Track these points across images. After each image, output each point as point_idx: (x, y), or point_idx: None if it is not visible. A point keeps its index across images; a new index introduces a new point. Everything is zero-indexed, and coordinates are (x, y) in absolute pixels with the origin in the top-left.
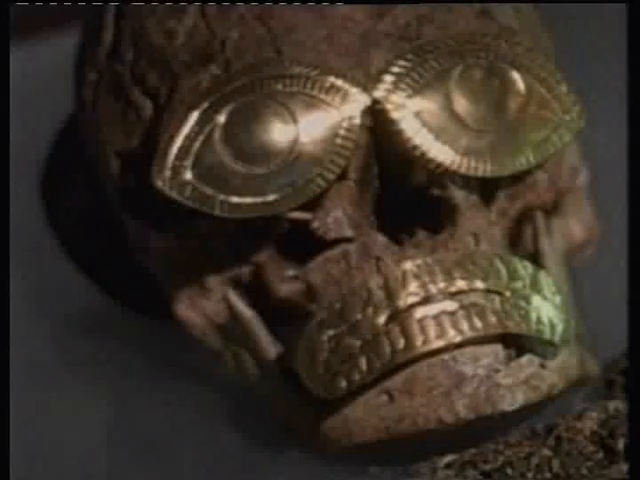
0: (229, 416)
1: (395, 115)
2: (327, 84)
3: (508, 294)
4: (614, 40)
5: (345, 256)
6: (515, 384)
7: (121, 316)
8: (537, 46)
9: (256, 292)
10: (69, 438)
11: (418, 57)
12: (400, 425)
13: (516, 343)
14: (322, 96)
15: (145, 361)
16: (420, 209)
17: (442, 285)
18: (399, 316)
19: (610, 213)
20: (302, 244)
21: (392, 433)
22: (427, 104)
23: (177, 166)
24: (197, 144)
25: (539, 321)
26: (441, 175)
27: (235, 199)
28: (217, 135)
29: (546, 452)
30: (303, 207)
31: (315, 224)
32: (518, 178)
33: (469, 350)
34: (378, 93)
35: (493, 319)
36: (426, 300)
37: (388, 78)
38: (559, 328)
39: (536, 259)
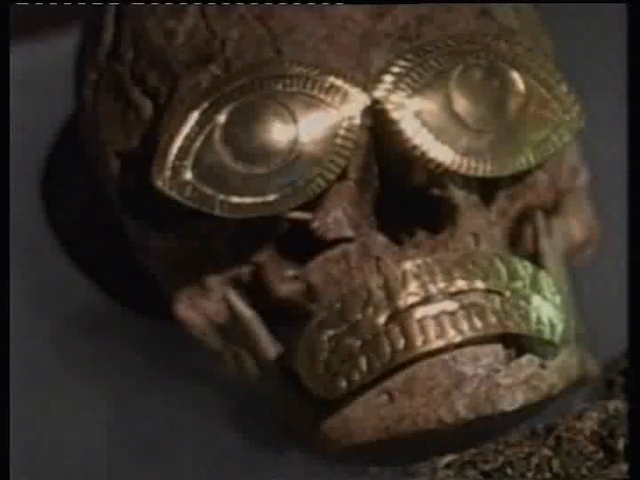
0: (229, 416)
1: (395, 115)
2: (327, 84)
3: (508, 294)
4: (614, 40)
5: (345, 256)
6: (515, 384)
7: (121, 316)
8: (537, 46)
9: (256, 292)
10: (69, 438)
11: (418, 57)
12: (400, 425)
13: (516, 343)
14: (322, 96)
15: (145, 361)
16: (420, 209)
17: (442, 285)
18: (399, 316)
19: (610, 213)
20: (302, 244)
21: (392, 433)
22: (427, 104)
23: (177, 166)
24: (197, 144)
25: (539, 321)
26: (441, 175)
27: (235, 199)
28: (217, 135)
29: (546, 452)
30: (303, 207)
31: (315, 224)
32: (518, 178)
33: (469, 350)
34: (378, 93)
35: (493, 319)
36: (426, 300)
37: (388, 78)
38: (559, 328)
39: (536, 259)
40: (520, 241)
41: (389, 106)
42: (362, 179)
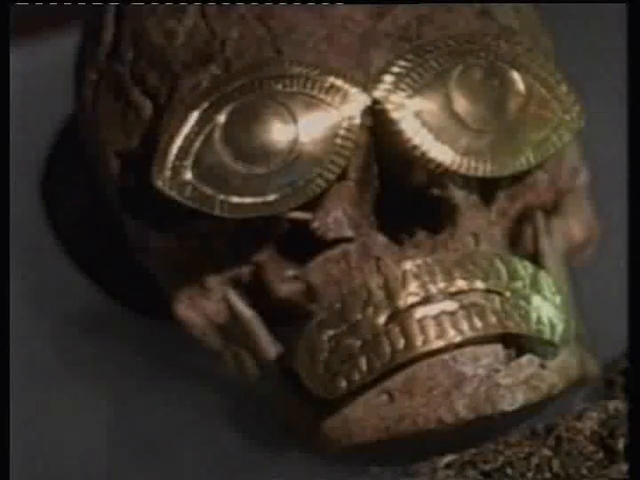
0: (229, 416)
1: (395, 115)
2: (327, 84)
3: (508, 294)
4: (614, 40)
5: (345, 256)
6: (515, 384)
7: (121, 316)
8: (537, 46)
9: (256, 292)
10: (69, 438)
11: (418, 57)
12: (400, 425)
13: (516, 343)
14: (322, 96)
15: (145, 361)
16: (420, 209)
17: (442, 285)
18: (399, 316)
19: (610, 213)
20: (302, 244)
21: (392, 433)
22: (427, 104)
23: (177, 166)
24: (197, 144)
25: (539, 321)
26: (441, 175)
27: (235, 199)
28: (217, 135)
29: (546, 452)
30: (303, 207)
31: (315, 224)
32: (518, 178)
33: (469, 350)
34: (378, 93)
35: (493, 319)
36: (426, 300)
37: (388, 78)
38: (559, 328)
39: (536, 259)
40: (520, 241)
41: (389, 106)
42: (362, 179)
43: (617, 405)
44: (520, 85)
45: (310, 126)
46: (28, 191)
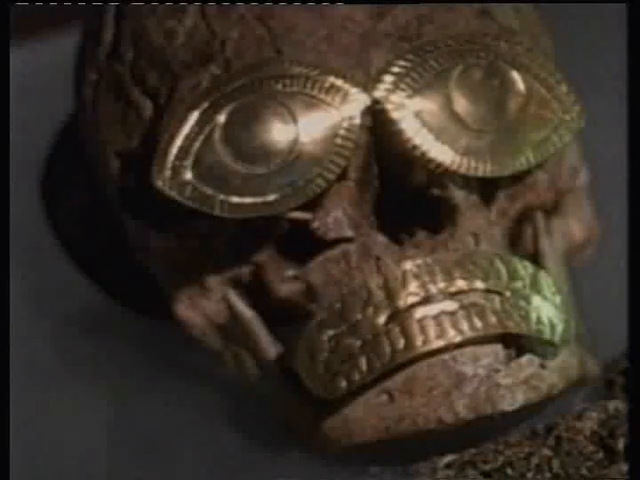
0: (229, 416)
1: (395, 115)
2: (327, 84)
3: (508, 294)
4: (614, 40)
5: (345, 256)
6: (515, 384)
7: (121, 316)
8: (537, 46)
9: (256, 292)
10: (69, 438)
11: (418, 57)
12: (400, 425)
13: (516, 343)
14: (322, 96)
15: (145, 361)
16: (420, 209)
17: (442, 285)
18: (399, 316)
19: (610, 213)
20: (302, 244)
21: (392, 433)
22: (427, 104)
23: (177, 166)
24: (197, 144)
25: (539, 321)
26: (441, 175)
27: (235, 199)
28: (217, 135)
29: (546, 452)
30: (303, 207)
31: (315, 224)
32: (518, 178)
33: (469, 350)
34: (378, 93)
35: (493, 319)
36: (426, 300)
37: (388, 78)
38: (559, 328)
39: (536, 259)
40: (520, 241)
41: (389, 106)
42: (362, 179)
43: (617, 405)
44: (520, 85)
45: (310, 126)
46: (28, 191)
